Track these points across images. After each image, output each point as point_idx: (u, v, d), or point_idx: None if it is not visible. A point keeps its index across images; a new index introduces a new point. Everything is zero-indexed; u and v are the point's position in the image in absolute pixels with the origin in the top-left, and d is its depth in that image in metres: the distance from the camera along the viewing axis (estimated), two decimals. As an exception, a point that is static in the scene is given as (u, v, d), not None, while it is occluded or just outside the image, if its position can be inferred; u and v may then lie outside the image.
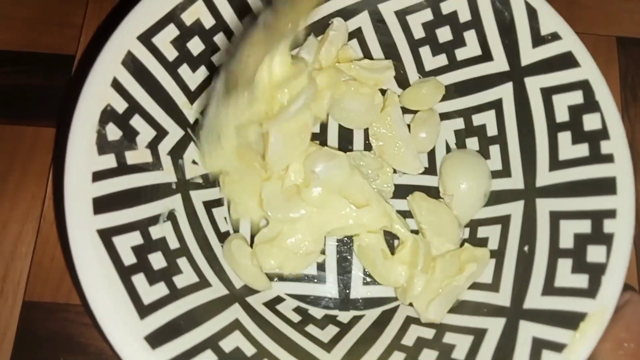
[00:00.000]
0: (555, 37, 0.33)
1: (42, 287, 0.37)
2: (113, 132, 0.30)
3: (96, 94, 0.30)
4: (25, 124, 0.40)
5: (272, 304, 0.34)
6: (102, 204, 0.28)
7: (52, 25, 0.43)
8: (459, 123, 0.38)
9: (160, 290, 0.29)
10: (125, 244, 0.29)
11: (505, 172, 0.35)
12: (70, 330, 0.36)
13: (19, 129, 0.40)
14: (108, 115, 0.30)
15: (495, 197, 0.36)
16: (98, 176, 0.29)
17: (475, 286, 0.33)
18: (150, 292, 0.28)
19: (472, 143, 0.38)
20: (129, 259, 0.28)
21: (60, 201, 0.28)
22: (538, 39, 0.33)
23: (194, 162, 0.35)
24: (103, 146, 0.29)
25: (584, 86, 0.32)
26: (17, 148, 0.40)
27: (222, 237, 0.35)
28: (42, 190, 0.39)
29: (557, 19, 0.33)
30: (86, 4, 0.43)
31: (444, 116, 0.38)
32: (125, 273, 0.28)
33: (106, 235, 0.28)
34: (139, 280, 0.28)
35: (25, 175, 0.39)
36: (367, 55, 0.39)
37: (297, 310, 0.34)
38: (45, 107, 0.41)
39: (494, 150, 0.36)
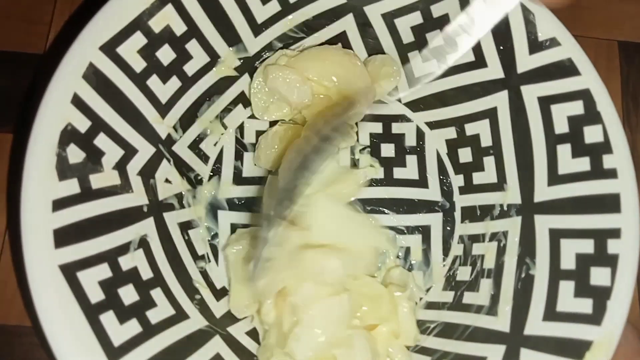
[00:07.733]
0: (554, 43, 0.31)
1: (7, 308, 0.34)
2: (75, 154, 0.27)
3: (55, 113, 0.27)
4: (-17, 129, 0.37)
5: (255, 333, 0.32)
6: (64, 236, 0.26)
7: (17, 21, 0.39)
8: (451, 132, 0.36)
9: (133, 328, 0.27)
10: (92, 279, 0.26)
11: (500, 185, 0.33)
12: (38, 356, 0.33)
13: (-24, 134, 0.36)
14: (69, 135, 0.27)
15: (490, 212, 0.34)
16: (59, 204, 0.26)
17: (472, 309, 0.32)
18: (121, 332, 0.26)
19: (465, 153, 0.35)
20: (96, 295, 0.26)
21: (16, 234, 0.25)
22: (535, 45, 0.31)
23: (167, 180, 0.32)
24: (64, 170, 0.26)
25: (585, 96, 0.30)
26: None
27: (200, 260, 0.33)
28: (0, 202, 0.35)
29: (556, 23, 0.31)
30: (55, -2, 0.39)
31: (436, 124, 0.36)
32: (92, 312, 0.25)
33: (70, 271, 0.25)
34: (108, 319, 0.26)
35: (-20, 186, 0.36)
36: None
37: (282, 338, 0.32)
38: (6, 110, 0.37)
39: (489, 161, 0.34)
